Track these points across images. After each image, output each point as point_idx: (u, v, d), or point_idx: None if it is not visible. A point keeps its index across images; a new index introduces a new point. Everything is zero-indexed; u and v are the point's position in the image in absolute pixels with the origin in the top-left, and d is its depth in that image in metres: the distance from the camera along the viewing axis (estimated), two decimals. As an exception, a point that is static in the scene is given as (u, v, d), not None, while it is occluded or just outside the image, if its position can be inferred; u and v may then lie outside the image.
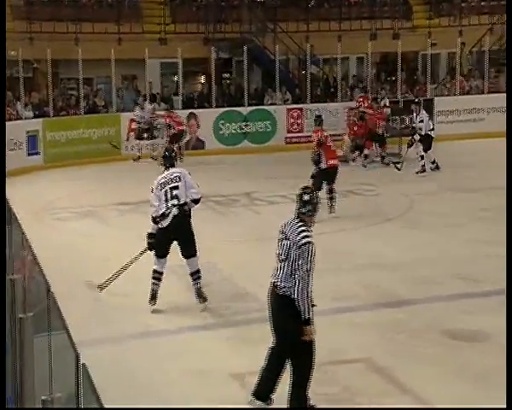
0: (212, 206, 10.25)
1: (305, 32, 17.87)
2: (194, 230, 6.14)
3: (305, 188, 4.44)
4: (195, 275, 6.10)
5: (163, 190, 6.04)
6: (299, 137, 16.12)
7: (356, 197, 10.62)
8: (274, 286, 4.22)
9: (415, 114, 12.55)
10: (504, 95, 17.07)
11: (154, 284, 6.02)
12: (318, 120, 9.69)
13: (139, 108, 14.61)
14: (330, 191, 9.12)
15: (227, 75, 18.63)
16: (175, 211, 5.94)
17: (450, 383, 4.57)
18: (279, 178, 12.29)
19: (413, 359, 4.94)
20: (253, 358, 4.79)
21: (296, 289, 4.07)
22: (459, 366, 4.80)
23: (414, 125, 12.53)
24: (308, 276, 4.07)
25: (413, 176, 11.83)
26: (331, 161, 9.10)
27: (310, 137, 14.75)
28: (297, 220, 4.29)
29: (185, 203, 6.08)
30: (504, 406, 3.80)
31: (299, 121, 16.22)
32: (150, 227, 6.11)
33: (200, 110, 15.85)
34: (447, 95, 17.45)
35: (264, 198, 10.64)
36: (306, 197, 4.30)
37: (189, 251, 6.09)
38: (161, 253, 6.04)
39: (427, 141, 12.20)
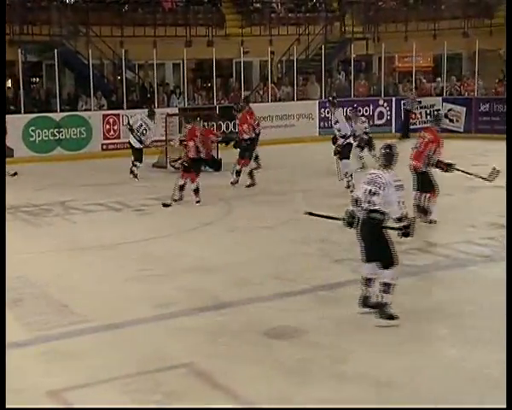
0: (23, 217, 9.82)
1: (120, 36, 17.67)
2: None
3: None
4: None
5: None
6: (115, 143, 15.87)
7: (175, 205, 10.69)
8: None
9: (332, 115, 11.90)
10: (312, 102, 18.28)
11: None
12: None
13: None
14: None
15: (36, 79, 17.86)
16: None
17: (270, 381, 4.71)
18: (95, 186, 12.04)
19: (235, 360, 5.03)
20: (70, 373, 4.60)
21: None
22: (278, 364, 4.97)
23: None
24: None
25: (228, 180, 11.98)
26: None
27: (127, 143, 14.76)
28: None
29: None
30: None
31: (115, 127, 15.96)
32: None
33: (8, 116, 14.99)
34: (260, 101, 18.13)
35: (80, 207, 10.38)
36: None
37: None
38: None
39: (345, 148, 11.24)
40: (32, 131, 15.10)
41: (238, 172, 11.76)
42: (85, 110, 16.06)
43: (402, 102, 18.23)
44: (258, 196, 11.08)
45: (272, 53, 18.38)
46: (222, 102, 17.46)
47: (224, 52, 18.18)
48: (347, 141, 11.24)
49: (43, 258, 7.69)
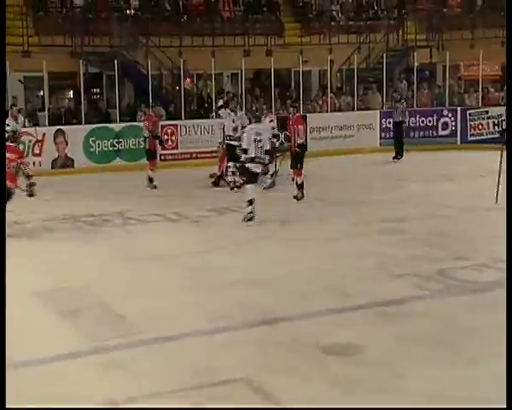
0: (83, 226, 10.07)
1: (178, 46, 18.01)
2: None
3: None
4: None
5: None
6: (173, 154, 16.17)
7: (232, 214, 10.80)
8: None
9: None
10: (372, 112, 18.17)
11: None
12: None
13: (13, 119, 13.97)
14: None
15: (97, 90, 18.35)
16: None
17: (326, 396, 4.71)
18: (153, 197, 12.29)
19: (289, 374, 5.04)
20: (126, 384, 4.71)
21: None
22: (333, 379, 4.96)
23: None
24: None
25: (284, 192, 12.07)
26: None
27: (185, 154, 15.01)
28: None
29: None
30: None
31: (173, 138, 16.25)
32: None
33: (69, 127, 15.50)
34: (319, 111, 18.14)
35: (138, 217, 10.59)
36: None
37: None
38: None
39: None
40: (92, 141, 15.55)
41: (300, 185, 11.71)
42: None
43: (393, 111, 17.00)
44: (316, 208, 11.11)
45: (332, 62, 18.39)
46: (280, 112, 17.55)
47: (283, 61, 18.30)
48: None
49: (101, 268, 7.87)
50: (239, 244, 8.93)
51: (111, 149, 15.74)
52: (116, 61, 15.89)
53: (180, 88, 17.04)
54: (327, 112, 17.96)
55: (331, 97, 18.14)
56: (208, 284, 7.15)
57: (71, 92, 17.84)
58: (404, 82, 19.70)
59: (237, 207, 10.94)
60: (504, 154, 10.42)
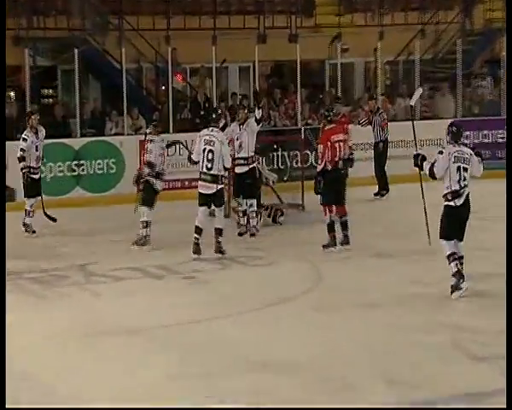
0: (27, 286, 10.14)
1: (165, 30, 18.15)
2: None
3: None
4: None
5: None
6: (158, 181, 16.22)
7: (240, 268, 10.83)
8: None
9: None
10: (442, 122, 18.15)
11: None
12: None
13: (32, 131, 13.87)
14: None
15: (49, 91, 18.52)
16: None
17: None
18: (129, 242, 12.30)
19: None
20: None
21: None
22: None
23: None
24: None
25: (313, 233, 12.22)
26: None
27: (174, 182, 15.05)
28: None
29: None
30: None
31: (158, 159, 16.30)
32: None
33: (9, 143, 15.52)
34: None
35: (106, 272, 10.65)
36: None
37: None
38: None
39: None
40: (42, 164, 15.58)
41: (344, 225, 11.76)
42: (116, 134, 16.52)
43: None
44: (359, 257, 11.14)
45: (381, 51, 18.51)
46: (309, 121, 17.61)
47: (313, 50, 18.43)
48: None
49: (52, 346, 7.86)
50: (249, 311, 8.92)
51: (68, 174, 15.82)
52: (76, 51, 16.04)
53: (167, 88, 17.18)
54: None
55: (382, 101, 18.19)
56: (206, 370, 7.10)
57: (12, 94, 17.97)
58: (488, 78, 19.73)
59: (247, 259, 10.94)
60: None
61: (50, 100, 18.45)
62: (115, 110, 16.90)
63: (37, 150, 13.25)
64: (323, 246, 11.63)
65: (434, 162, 9.49)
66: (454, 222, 9.30)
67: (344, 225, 11.72)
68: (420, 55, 18.41)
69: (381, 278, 10.07)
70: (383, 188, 15.91)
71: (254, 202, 12.73)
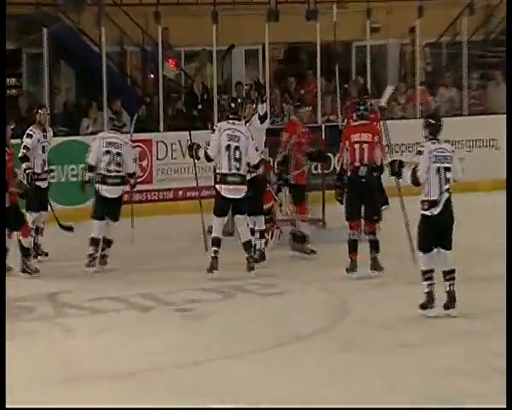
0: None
1: (154, 5, 18.10)
2: None
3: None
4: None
5: None
6: (145, 192, 16.32)
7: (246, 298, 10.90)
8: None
9: None
10: (496, 117, 18.15)
11: None
12: None
13: (39, 128, 13.95)
14: None
15: (12, 80, 18.57)
16: None
17: None
18: (109, 267, 12.43)
19: None
20: None
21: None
22: None
23: None
24: None
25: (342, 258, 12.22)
26: None
27: (165, 192, 15.09)
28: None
29: None
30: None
31: (144, 163, 16.42)
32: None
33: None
34: (402, 117, 18.21)
35: (81, 303, 10.69)
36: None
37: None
38: None
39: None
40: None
41: (373, 245, 11.88)
42: (92, 133, 16.51)
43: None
44: (393, 285, 11.18)
45: (420, 31, 18.57)
46: (331, 117, 17.62)
47: (337, 30, 18.44)
48: None
49: (14, 395, 7.85)
50: (258, 351, 8.93)
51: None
52: (46, 31, 16.16)
53: (157, 77, 17.29)
54: (414, 117, 18.05)
55: (421, 91, 18.20)
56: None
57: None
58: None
59: (254, 286, 11.10)
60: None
61: (14, 90, 18.41)
62: (94, 101, 16.92)
63: (43, 152, 13.20)
64: (346, 269, 11.72)
65: (416, 167, 9.89)
66: (431, 233, 9.91)
67: (373, 246, 11.79)
68: (468, 37, 18.41)
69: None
70: None
71: (261, 219, 12.73)
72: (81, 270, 12.23)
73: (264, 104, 12.89)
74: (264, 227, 12.77)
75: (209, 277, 11.56)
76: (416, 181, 9.94)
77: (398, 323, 9.76)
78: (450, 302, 9.82)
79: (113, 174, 12.45)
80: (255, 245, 12.55)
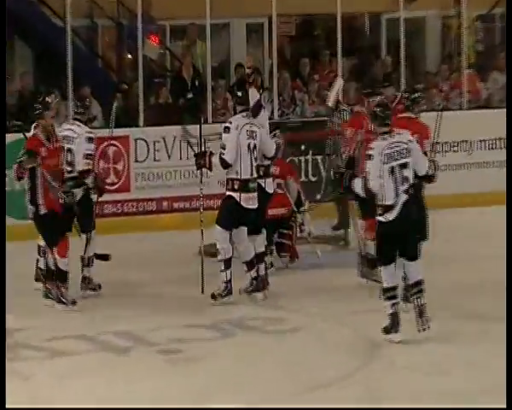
0: None
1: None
2: None
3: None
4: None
5: None
6: (121, 202, 16.34)
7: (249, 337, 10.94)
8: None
9: None
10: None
11: None
12: None
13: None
14: None
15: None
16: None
17: None
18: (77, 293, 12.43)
19: None
20: None
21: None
22: None
23: None
24: None
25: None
26: None
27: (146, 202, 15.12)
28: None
29: None
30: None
31: (118, 166, 16.34)
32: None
33: None
34: (444, 107, 18.15)
35: (39, 343, 10.72)
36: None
37: None
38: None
39: None
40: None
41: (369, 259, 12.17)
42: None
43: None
44: (436, 319, 11.01)
45: (468, 1, 18.68)
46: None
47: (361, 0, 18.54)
48: None
49: None
50: (263, 402, 8.88)
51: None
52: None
53: (136, 57, 17.37)
54: (460, 108, 18.26)
55: (469, 76, 18.21)
56: None
57: None
58: None
59: (259, 322, 11.29)
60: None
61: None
62: (55, 91, 16.89)
63: None
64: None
65: (366, 175, 10.23)
66: (388, 241, 10.33)
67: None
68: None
69: (469, 352, 10.08)
70: None
71: (261, 238, 12.67)
72: (38, 300, 12.22)
73: (255, 90, 12.85)
74: (263, 249, 12.67)
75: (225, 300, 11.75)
76: (369, 193, 10.22)
77: (441, 369, 9.66)
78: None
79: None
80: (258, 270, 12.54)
